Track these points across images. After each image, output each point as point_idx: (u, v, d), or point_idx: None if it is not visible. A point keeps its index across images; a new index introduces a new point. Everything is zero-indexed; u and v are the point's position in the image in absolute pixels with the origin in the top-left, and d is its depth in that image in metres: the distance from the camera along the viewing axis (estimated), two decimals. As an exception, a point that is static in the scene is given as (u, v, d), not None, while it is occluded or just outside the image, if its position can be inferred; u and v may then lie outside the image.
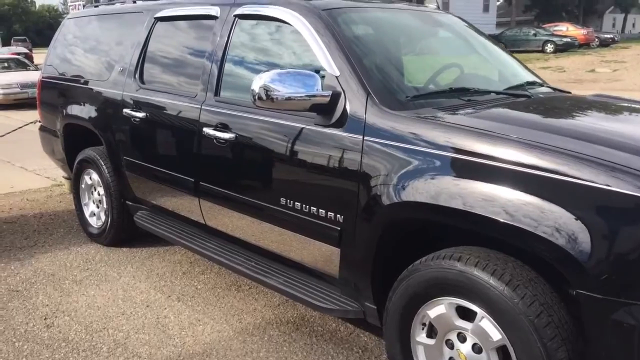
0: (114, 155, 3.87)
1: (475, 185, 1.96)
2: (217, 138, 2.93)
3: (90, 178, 4.23)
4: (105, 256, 4.02)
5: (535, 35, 29.94)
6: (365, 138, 2.30)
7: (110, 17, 4.28)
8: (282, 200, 2.66)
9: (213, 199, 3.12)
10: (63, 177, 5.54)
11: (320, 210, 2.49)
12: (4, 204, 5.37)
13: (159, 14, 3.62)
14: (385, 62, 2.70)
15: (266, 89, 2.37)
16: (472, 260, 1.96)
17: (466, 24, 3.49)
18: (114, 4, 4.40)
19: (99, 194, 4.19)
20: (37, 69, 16.81)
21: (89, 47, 4.35)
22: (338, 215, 2.42)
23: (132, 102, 3.61)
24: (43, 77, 4.77)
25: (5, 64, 16.35)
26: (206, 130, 3.00)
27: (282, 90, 2.37)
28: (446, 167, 2.06)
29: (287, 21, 2.76)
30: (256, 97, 2.41)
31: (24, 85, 14.20)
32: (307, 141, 2.52)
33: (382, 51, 2.80)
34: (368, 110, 2.33)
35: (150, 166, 3.55)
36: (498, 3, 45.60)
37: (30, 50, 35.42)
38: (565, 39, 29.59)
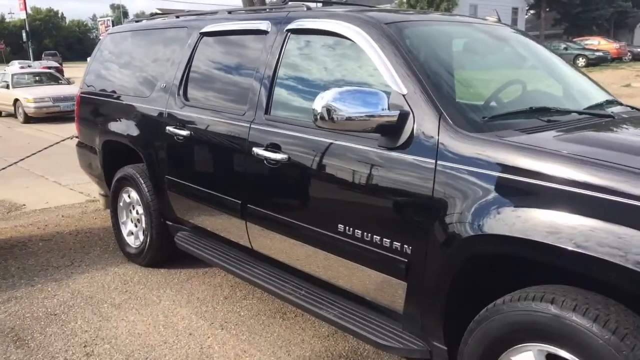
0: (154, 173, 3.74)
1: (575, 218, 1.74)
2: (267, 159, 2.77)
3: (129, 196, 4.11)
4: (144, 278, 3.88)
5: (566, 49, 29.33)
6: (439, 162, 2.10)
7: (151, 33, 4.17)
8: (340, 227, 2.47)
9: (261, 222, 2.95)
10: (100, 193, 5.45)
11: (384, 239, 2.29)
12: (40, 220, 5.29)
13: (204, 29, 3.48)
14: (455, 79, 2.50)
15: (329, 109, 2.20)
16: (569, 303, 1.73)
17: (530, 38, 3.28)
18: (155, 19, 4.30)
19: (137, 213, 4.06)
20: (68, 83, 17.03)
21: (129, 63, 4.24)
22: (405, 246, 2.21)
23: (175, 119, 3.48)
24: (82, 93, 4.68)
25: (38, 78, 16.53)
26: (255, 150, 2.84)
27: (345, 109, 2.19)
28: (541, 198, 1.83)
29: (347, 36, 2.59)
30: (318, 116, 2.24)
31: (56, 99, 14.28)
32: (370, 164, 2.33)
33: (450, 67, 2.60)
34: (441, 132, 2.13)
35: (193, 186, 3.39)
36: (526, 17, 45.13)
37: (61, 64, 36.18)
38: (597, 53, 29.06)
